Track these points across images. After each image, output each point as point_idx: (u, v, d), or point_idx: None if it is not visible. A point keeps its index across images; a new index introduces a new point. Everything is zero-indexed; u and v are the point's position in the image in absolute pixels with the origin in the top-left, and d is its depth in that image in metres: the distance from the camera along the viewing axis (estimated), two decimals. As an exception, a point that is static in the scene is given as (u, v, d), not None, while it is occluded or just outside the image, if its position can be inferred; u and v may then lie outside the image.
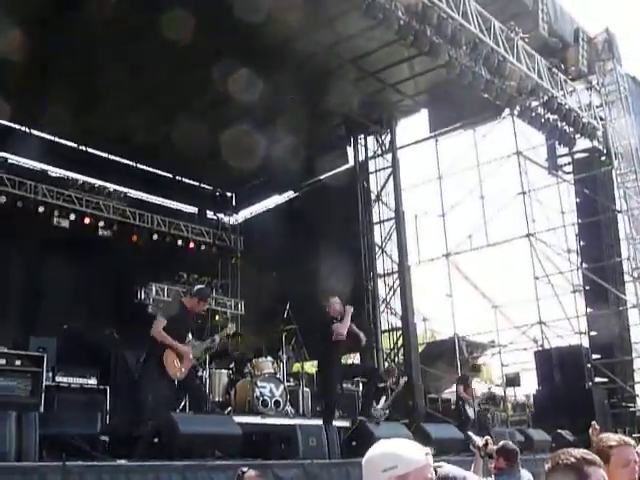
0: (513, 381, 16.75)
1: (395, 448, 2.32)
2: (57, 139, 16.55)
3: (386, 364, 16.82)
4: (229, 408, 10.58)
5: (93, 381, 10.36)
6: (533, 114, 14.21)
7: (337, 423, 9.32)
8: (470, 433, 7.35)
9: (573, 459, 2.90)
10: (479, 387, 18.42)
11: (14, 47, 11.23)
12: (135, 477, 5.65)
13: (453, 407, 13.96)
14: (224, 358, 11.92)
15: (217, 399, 10.98)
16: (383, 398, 11.40)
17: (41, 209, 15.72)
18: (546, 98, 13.90)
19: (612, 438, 3.56)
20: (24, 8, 11.18)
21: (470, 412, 12.49)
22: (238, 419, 8.17)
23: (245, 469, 5.24)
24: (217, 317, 19.12)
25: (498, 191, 17.86)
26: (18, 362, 9.03)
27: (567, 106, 14.23)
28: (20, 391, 8.96)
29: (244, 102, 14.17)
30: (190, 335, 8.39)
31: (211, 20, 11.69)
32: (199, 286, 8.74)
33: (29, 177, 15.86)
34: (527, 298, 16.85)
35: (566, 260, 16.71)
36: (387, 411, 11.32)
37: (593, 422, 8.19)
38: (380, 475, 2.25)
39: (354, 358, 18.01)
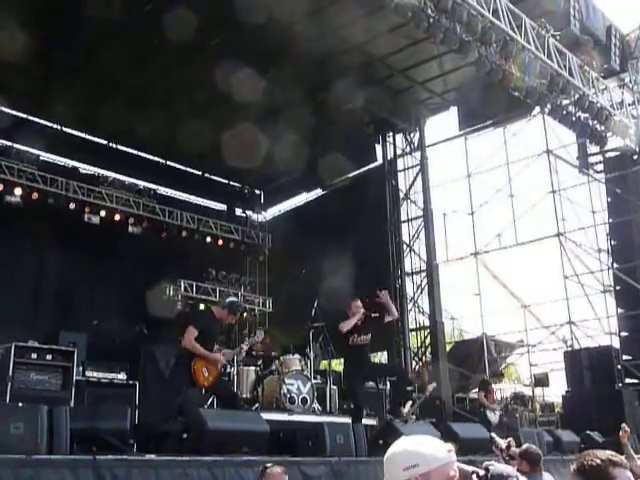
0: (542, 381, 16.66)
1: (416, 446, 2.29)
2: (88, 136, 16.71)
3: (414, 363, 16.80)
4: (256, 405, 10.63)
5: (122, 376, 10.49)
6: (564, 112, 14.06)
7: (365, 421, 9.33)
8: (493, 434, 7.30)
9: (599, 460, 2.88)
10: (507, 387, 18.35)
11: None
12: (163, 472, 5.69)
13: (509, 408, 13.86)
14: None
15: (245, 396, 11.04)
16: (409, 403, 11.35)
17: (72, 206, 15.85)
18: (577, 96, 13.75)
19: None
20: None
21: (492, 417, 12.39)
22: (265, 416, 8.20)
23: (269, 465, 5.27)
24: (245, 315, 19.20)
25: (528, 190, 17.75)
26: (49, 357, 9.18)
27: (599, 104, 14.06)
28: (51, 385, 9.10)
29: (272, 101, 14.22)
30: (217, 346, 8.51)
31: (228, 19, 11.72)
32: (231, 298, 8.78)
33: (60, 174, 16.03)
34: (557, 298, 16.74)
35: (596, 260, 16.58)
36: (412, 416, 11.25)
37: (623, 424, 8.11)
38: (401, 473, 2.23)
39: (381, 357, 18.04)
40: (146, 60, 13.36)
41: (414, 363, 16.79)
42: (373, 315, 9.58)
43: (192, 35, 11.80)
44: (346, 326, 9.26)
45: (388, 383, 12.54)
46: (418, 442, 2.31)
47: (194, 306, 16.96)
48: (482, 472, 5.19)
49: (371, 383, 12.57)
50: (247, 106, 14.62)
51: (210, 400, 9.22)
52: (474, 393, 17.14)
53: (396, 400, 10.38)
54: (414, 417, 11.21)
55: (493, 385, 13.88)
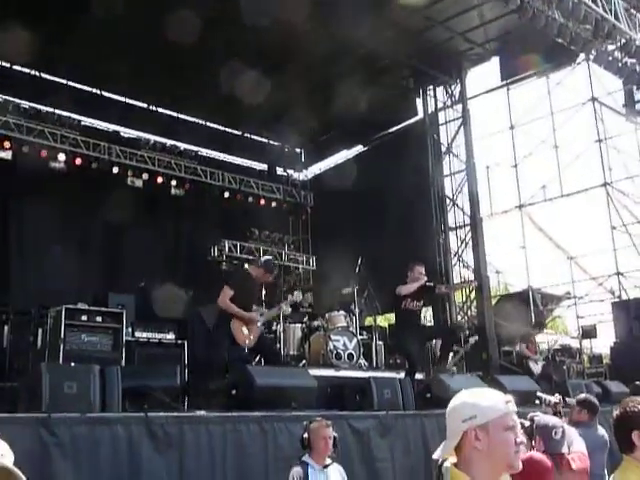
0: (589, 333, 16.52)
1: (475, 397, 2.32)
2: (128, 100, 16.77)
3: (459, 317, 16.77)
4: (303, 361, 10.75)
5: (171, 336, 10.64)
6: (610, 58, 13.73)
7: (411, 375, 9.37)
8: (539, 393, 7.31)
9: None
10: (555, 339, 18.21)
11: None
12: (214, 428, 5.79)
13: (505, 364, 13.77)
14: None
15: (292, 352, 11.17)
16: (450, 355, 11.37)
17: (115, 170, 16.04)
18: (624, 41, 13.38)
19: None
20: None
21: (534, 368, 12.34)
22: (313, 372, 8.30)
23: (314, 419, 5.34)
24: (289, 274, 19.32)
25: (573, 140, 17.40)
26: (99, 318, 9.35)
27: (646, 48, 13.72)
28: (102, 346, 9.28)
29: (310, 57, 14.10)
30: (256, 305, 8.58)
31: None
32: (266, 257, 9.02)
33: (102, 139, 16.17)
34: (604, 248, 16.52)
35: (645, 209, 16.28)
36: (454, 368, 11.26)
37: None
38: (460, 425, 2.28)
39: (426, 312, 18.03)
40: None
41: (459, 317, 16.77)
42: (428, 284, 9.57)
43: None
44: (405, 290, 9.25)
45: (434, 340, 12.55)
46: (477, 394, 2.35)
47: (238, 266, 17.12)
48: (527, 423, 5.22)
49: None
50: (283, 65, 14.51)
51: (257, 358, 9.32)
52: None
53: (444, 355, 10.38)
54: (455, 369, 11.25)
55: (535, 336, 13.80)
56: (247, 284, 8.35)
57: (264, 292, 12.66)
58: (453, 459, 2.33)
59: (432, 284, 9.70)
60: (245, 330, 8.03)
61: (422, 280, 9.32)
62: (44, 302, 10.11)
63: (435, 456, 2.39)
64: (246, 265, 16.65)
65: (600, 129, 16.55)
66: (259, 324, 8.35)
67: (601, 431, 6.57)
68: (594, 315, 17.03)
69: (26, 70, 15.03)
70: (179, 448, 5.53)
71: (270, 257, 9.01)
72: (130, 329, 10.14)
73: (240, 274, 8.76)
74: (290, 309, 10.08)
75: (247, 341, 8.08)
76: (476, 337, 12.66)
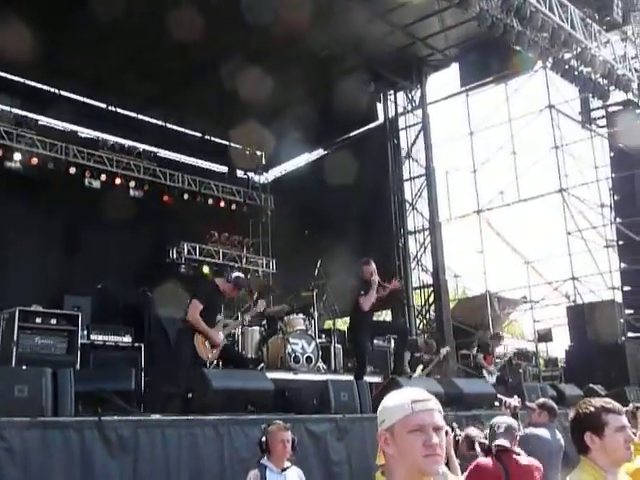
0: (545, 337, 16.74)
1: (385, 401, 2.19)
2: (86, 100, 16.55)
3: (417, 321, 16.85)
4: (262, 364, 10.68)
5: (128, 339, 10.51)
6: (566, 66, 13.93)
7: (369, 379, 9.37)
8: (500, 396, 7.39)
9: (592, 408, 3.00)
10: (511, 343, 18.41)
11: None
12: (169, 431, 5.72)
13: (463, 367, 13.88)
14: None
15: (250, 356, 11.09)
16: (420, 367, 11.38)
17: (72, 170, 15.82)
18: (579, 50, 13.59)
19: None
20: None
21: (488, 378, 12.45)
22: (271, 375, 8.24)
23: (273, 422, 5.31)
24: (249, 276, 19.24)
25: (530, 146, 17.67)
26: (54, 321, 9.21)
27: (601, 58, 13.90)
28: (56, 349, 9.14)
29: (272, 60, 14.06)
30: (219, 316, 8.52)
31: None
32: (237, 274, 8.69)
33: (60, 138, 15.94)
34: (559, 253, 16.75)
35: (599, 215, 16.53)
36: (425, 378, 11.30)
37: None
38: (379, 431, 2.16)
39: (385, 315, 18.09)
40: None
41: (417, 321, 16.86)
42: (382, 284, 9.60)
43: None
44: (367, 304, 9.25)
45: (392, 341, 12.59)
46: (390, 396, 2.19)
47: (197, 268, 17.00)
48: (451, 429, 5.25)
49: (377, 341, 12.65)
50: (246, 68, 14.44)
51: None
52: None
53: (399, 358, 10.41)
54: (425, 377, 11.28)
55: (494, 348, 13.92)
56: (214, 298, 8.27)
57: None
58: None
59: (384, 284, 9.72)
60: (208, 345, 7.96)
61: (374, 284, 9.32)
62: (-3, 304, 9.93)
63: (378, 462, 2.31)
64: (205, 269, 16.73)
65: (557, 136, 16.81)
66: (221, 344, 8.24)
67: (558, 435, 6.67)
68: (550, 319, 17.24)
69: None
70: (133, 452, 5.45)
71: (240, 274, 8.82)
72: (86, 332, 9.99)
73: (208, 287, 8.50)
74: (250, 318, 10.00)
75: (210, 355, 8.00)
76: (448, 348, 12.71)
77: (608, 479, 2.86)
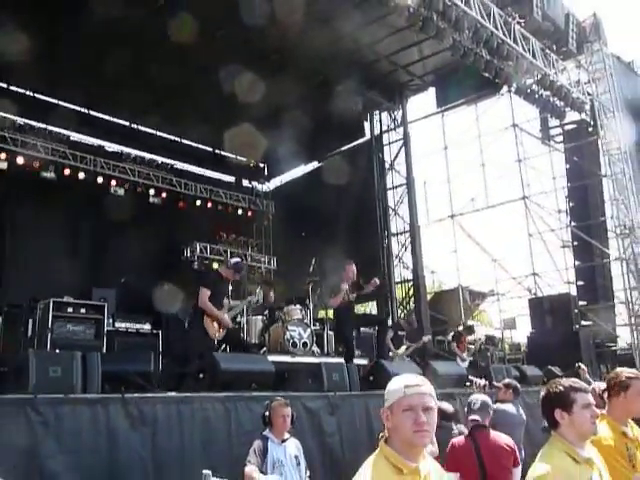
0: (510, 325, 16.75)
1: (391, 383, 2.34)
2: (112, 118, 16.54)
3: (399, 311, 16.85)
4: (264, 349, 10.66)
5: (147, 326, 10.50)
6: (528, 90, 14.02)
7: (357, 361, 9.36)
8: (471, 377, 7.41)
9: (562, 387, 2.95)
10: (480, 330, 18.39)
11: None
12: (183, 407, 5.70)
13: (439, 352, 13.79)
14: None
15: (254, 341, 11.06)
16: (404, 346, 11.35)
17: (100, 180, 15.86)
18: (540, 76, 13.67)
19: (629, 371, 3.63)
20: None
21: (461, 364, 12.44)
22: (272, 358, 8.22)
23: (275, 399, 5.30)
24: (253, 272, 19.22)
25: (497, 159, 17.72)
26: (83, 310, 9.17)
27: (558, 83, 13.96)
28: (85, 335, 9.11)
29: (275, 85, 14.06)
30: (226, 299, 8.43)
31: None
32: (235, 259, 8.65)
33: (89, 152, 15.95)
34: (522, 253, 16.77)
35: (557, 219, 16.54)
36: (406, 358, 11.27)
37: (579, 364, 8.21)
38: (382, 409, 2.33)
39: (372, 306, 18.10)
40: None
41: (399, 311, 16.86)
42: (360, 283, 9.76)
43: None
44: (335, 303, 9.35)
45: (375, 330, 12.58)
46: (392, 380, 2.35)
47: (208, 265, 16.98)
48: (447, 406, 5.26)
49: (363, 329, 12.64)
50: (249, 94, 14.40)
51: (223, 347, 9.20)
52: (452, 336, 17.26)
53: (381, 345, 10.40)
54: (407, 359, 11.25)
55: (466, 337, 13.92)
56: (219, 284, 8.17)
57: (230, 288, 12.58)
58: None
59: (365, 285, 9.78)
60: (216, 325, 7.92)
61: (343, 290, 9.40)
62: (35, 296, 9.89)
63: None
64: (215, 265, 16.70)
65: (520, 151, 16.81)
66: (230, 324, 8.23)
67: (521, 410, 6.70)
68: (514, 309, 17.25)
69: (22, 91, 14.76)
70: (152, 425, 5.43)
71: (238, 259, 8.77)
72: (111, 320, 9.98)
73: (213, 275, 8.49)
74: (250, 304, 9.98)
75: (217, 334, 7.96)
76: (429, 336, 12.70)
77: (576, 451, 2.84)
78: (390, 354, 10.91)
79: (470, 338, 14.11)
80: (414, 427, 2.20)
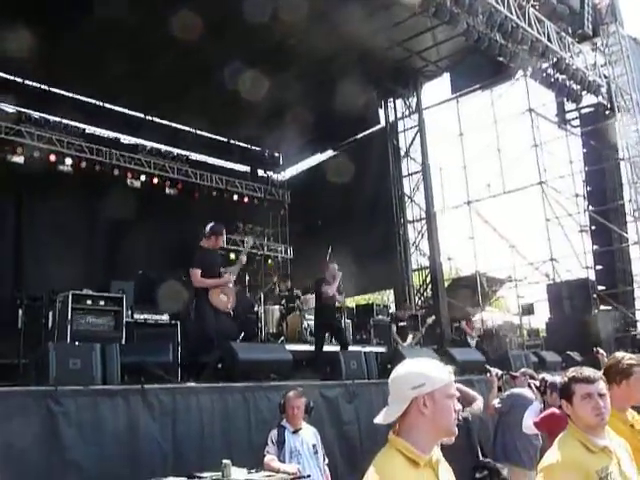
0: (528, 310, 16.63)
1: (423, 368, 2.23)
2: (126, 110, 16.58)
3: (416, 298, 16.83)
4: (282, 338, 10.70)
5: (166, 317, 10.51)
6: (544, 74, 13.87)
7: (374, 349, 9.38)
8: (487, 366, 7.40)
9: (566, 378, 2.97)
10: (498, 316, 18.32)
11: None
12: (202, 396, 5.74)
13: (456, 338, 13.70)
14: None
15: (271, 331, 11.11)
16: (410, 336, 11.34)
17: (116, 172, 15.91)
18: (555, 59, 13.49)
19: (630, 357, 3.52)
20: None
21: (471, 342, 12.41)
22: (289, 347, 8.26)
23: (291, 391, 5.31)
24: (270, 261, 19.25)
25: (513, 144, 17.53)
26: (102, 302, 9.18)
27: (574, 66, 13.80)
28: (105, 327, 9.13)
29: (290, 75, 14.03)
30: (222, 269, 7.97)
31: None
32: (209, 224, 8.07)
33: (105, 145, 16.01)
34: (539, 238, 16.65)
35: (574, 204, 16.39)
36: (416, 346, 11.25)
37: (598, 348, 8.18)
38: (409, 392, 2.19)
39: (389, 294, 18.07)
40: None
41: (416, 298, 16.84)
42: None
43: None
44: (332, 290, 9.28)
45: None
46: (424, 364, 2.26)
47: (224, 256, 16.97)
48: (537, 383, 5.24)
49: (380, 317, 12.63)
50: (265, 81, 14.35)
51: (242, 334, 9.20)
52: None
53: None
54: (418, 346, 11.23)
55: (473, 315, 13.91)
56: (207, 258, 7.75)
57: (247, 278, 12.60)
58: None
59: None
60: (223, 297, 7.56)
61: (340, 275, 9.46)
62: (54, 288, 9.95)
63: (377, 420, 2.28)
64: (232, 256, 16.73)
65: (536, 135, 16.67)
66: (232, 285, 7.80)
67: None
68: (532, 295, 17.15)
69: (37, 85, 14.82)
70: (172, 415, 5.48)
71: (212, 222, 8.14)
72: (129, 311, 9.99)
73: (197, 253, 7.85)
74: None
75: (229, 305, 7.61)
76: (433, 317, 12.67)
77: (590, 440, 2.78)
78: (398, 347, 10.91)
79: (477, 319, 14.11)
80: (455, 414, 2.24)
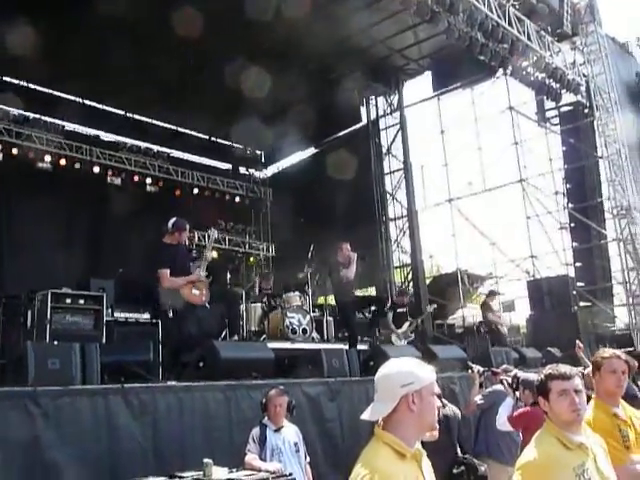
0: (509, 307, 16.75)
1: (411, 367, 2.34)
2: (107, 107, 16.43)
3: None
4: (264, 336, 10.66)
5: (146, 316, 10.42)
6: (524, 73, 13.93)
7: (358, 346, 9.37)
8: (469, 362, 7.41)
9: (543, 376, 3.02)
10: (479, 313, 18.38)
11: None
12: (184, 396, 5.70)
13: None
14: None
15: (253, 328, 11.06)
16: (406, 324, 11.30)
17: (96, 169, 15.80)
18: (535, 58, 13.57)
19: (606, 351, 3.66)
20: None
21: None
22: (271, 345, 8.22)
23: (273, 389, 5.29)
24: (251, 259, 19.21)
25: (494, 142, 17.58)
26: (81, 301, 9.08)
27: (554, 65, 13.89)
28: (85, 326, 9.03)
29: (272, 70, 13.97)
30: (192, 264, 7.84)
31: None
32: (171, 220, 7.83)
33: (84, 142, 15.86)
34: (520, 235, 16.73)
35: (554, 201, 16.48)
36: (411, 334, 11.25)
37: (577, 341, 8.24)
38: (399, 390, 2.28)
39: (371, 291, 18.09)
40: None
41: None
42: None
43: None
44: (351, 273, 9.31)
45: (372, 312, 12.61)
46: (411, 364, 2.37)
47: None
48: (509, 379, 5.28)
49: (359, 315, 12.63)
50: (246, 82, 14.28)
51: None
52: (450, 320, 17.28)
53: (382, 323, 10.42)
54: (412, 335, 11.22)
55: (491, 301, 13.70)
56: (171, 255, 7.49)
57: (228, 276, 12.56)
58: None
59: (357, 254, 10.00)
60: (196, 291, 7.37)
61: (355, 257, 9.59)
62: (33, 287, 9.83)
63: (364, 417, 2.37)
64: (214, 254, 16.64)
65: (516, 133, 16.73)
66: (202, 278, 7.50)
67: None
68: (512, 292, 17.25)
69: (15, 81, 14.63)
70: (153, 415, 5.43)
71: (174, 218, 7.87)
72: (110, 310, 9.90)
73: (161, 252, 7.61)
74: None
75: (203, 298, 7.42)
76: (435, 305, 12.69)
77: (567, 437, 2.80)
78: (393, 336, 10.93)
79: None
80: (436, 410, 2.36)
